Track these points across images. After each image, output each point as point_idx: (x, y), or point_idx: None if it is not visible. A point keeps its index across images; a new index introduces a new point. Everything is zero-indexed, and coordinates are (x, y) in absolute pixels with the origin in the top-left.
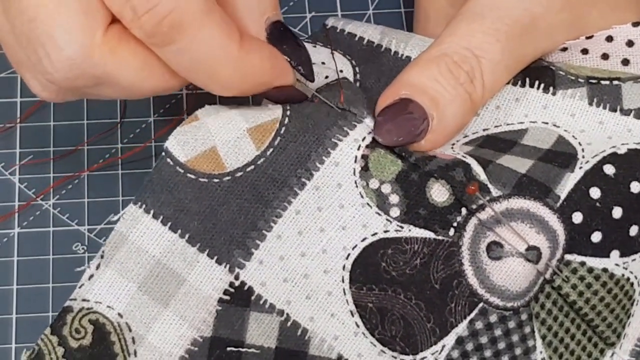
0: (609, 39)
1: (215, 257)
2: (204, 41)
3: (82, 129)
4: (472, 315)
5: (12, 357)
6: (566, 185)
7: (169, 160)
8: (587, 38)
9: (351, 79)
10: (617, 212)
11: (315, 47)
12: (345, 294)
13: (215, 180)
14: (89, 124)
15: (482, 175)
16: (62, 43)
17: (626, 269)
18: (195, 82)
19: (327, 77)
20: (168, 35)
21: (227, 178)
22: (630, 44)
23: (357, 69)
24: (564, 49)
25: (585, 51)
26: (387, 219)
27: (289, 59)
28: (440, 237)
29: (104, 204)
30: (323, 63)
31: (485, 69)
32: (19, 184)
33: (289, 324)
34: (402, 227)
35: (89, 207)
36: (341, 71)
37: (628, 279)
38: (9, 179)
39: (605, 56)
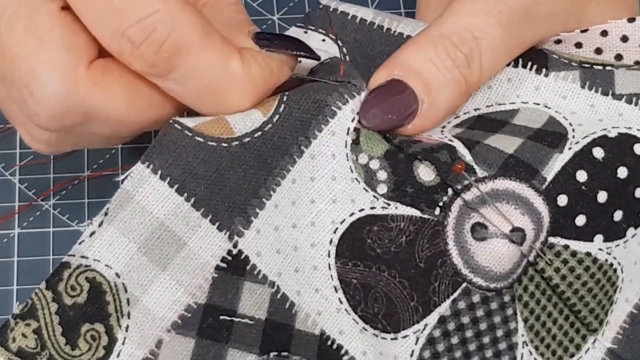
0: (604, 33)
1: (217, 224)
2: (207, 64)
3: None
4: (455, 294)
5: None
6: (553, 167)
7: (176, 125)
8: (582, 32)
9: None
10: (602, 197)
11: (306, 32)
12: (330, 268)
13: (224, 144)
14: None
15: (467, 157)
16: (45, 79)
17: (609, 254)
18: (202, 109)
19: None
20: (169, 62)
21: (235, 143)
22: (624, 39)
23: (347, 57)
24: (558, 42)
25: (579, 45)
26: (374, 196)
27: (287, 50)
28: (426, 216)
29: (104, 204)
30: None
31: (484, 51)
32: (19, 185)
33: (278, 296)
34: (388, 205)
35: (89, 207)
36: (330, 60)
37: (611, 264)
38: (9, 179)
39: (598, 50)
